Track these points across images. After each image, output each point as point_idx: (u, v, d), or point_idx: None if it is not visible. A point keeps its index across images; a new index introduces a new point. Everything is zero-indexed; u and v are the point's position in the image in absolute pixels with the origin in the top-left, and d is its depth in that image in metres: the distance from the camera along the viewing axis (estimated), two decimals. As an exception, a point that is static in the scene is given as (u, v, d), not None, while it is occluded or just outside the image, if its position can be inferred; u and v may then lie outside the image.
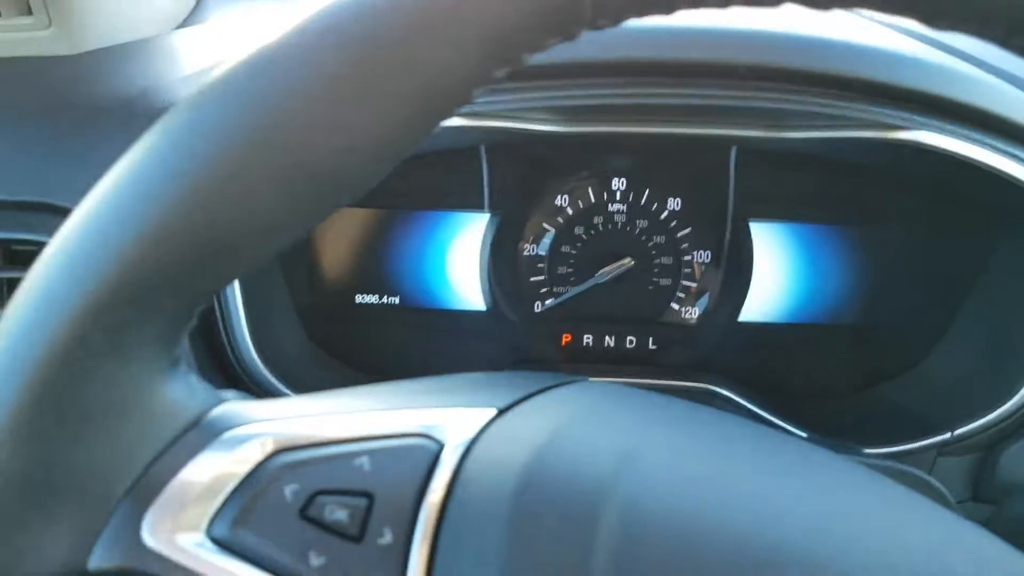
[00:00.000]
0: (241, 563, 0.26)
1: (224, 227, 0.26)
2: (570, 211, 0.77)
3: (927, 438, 0.65)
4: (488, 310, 0.79)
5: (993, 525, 0.57)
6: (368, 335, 0.79)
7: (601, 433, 0.30)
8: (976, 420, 0.64)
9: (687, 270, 0.78)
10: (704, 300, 0.79)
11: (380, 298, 0.79)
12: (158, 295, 0.26)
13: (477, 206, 0.74)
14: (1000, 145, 0.57)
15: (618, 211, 0.77)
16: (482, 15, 0.25)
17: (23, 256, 0.58)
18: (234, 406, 0.30)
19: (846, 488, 0.31)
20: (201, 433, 0.28)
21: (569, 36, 0.27)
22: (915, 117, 0.57)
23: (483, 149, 0.69)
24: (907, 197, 0.73)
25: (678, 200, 0.76)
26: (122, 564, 0.26)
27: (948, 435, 0.64)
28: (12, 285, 0.57)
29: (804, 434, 0.67)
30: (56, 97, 0.65)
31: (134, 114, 0.61)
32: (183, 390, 0.29)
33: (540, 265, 0.78)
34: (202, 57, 0.68)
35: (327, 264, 0.79)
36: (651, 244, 0.78)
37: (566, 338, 0.80)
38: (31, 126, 0.62)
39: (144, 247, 0.25)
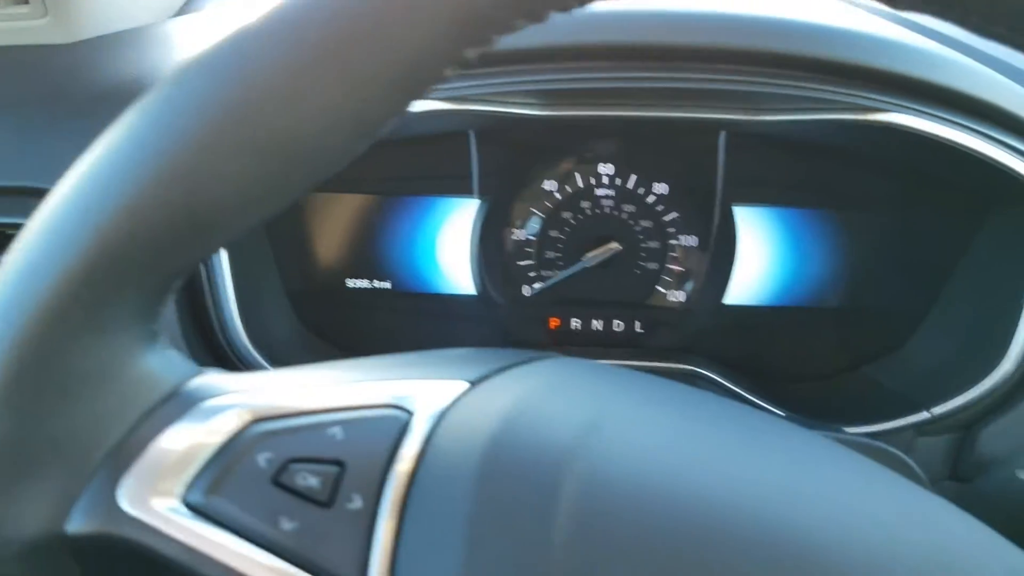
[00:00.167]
0: (214, 528, 0.27)
1: (200, 202, 0.26)
2: (558, 196, 0.78)
3: (906, 417, 0.66)
4: (477, 294, 0.80)
5: (964, 502, 0.57)
6: (359, 319, 0.80)
7: (568, 404, 0.30)
8: (955, 400, 0.65)
9: (673, 254, 0.79)
10: (690, 284, 0.79)
11: (371, 282, 0.80)
12: (136, 269, 0.27)
13: (467, 192, 0.74)
14: (978, 127, 0.58)
15: (605, 196, 0.77)
16: None
17: (18, 241, 0.59)
18: (211, 378, 0.31)
19: (809, 461, 0.31)
20: (178, 403, 0.29)
21: (537, 18, 0.28)
22: (891, 99, 0.57)
23: (472, 135, 0.69)
24: (890, 181, 0.74)
25: (664, 185, 0.77)
26: (99, 528, 0.27)
27: (927, 414, 0.65)
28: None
29: (783, 414, 0.68)
30: (52, 85, 0.66)
31: (130, 102, 0.61)
32: (161, 362, 0.30)
33: (528, 250, 0.79)
34: (197, 45, 0.68)
35: (319, 249, 0.80)
36: (638, 228, 0.78)
37: (554, 322, 0.81)
38: (27, 114, 0.63)
39: (121, 222, 0.26)
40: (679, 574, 0.25)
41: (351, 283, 0.80)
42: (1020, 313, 0.64)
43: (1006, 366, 0.64)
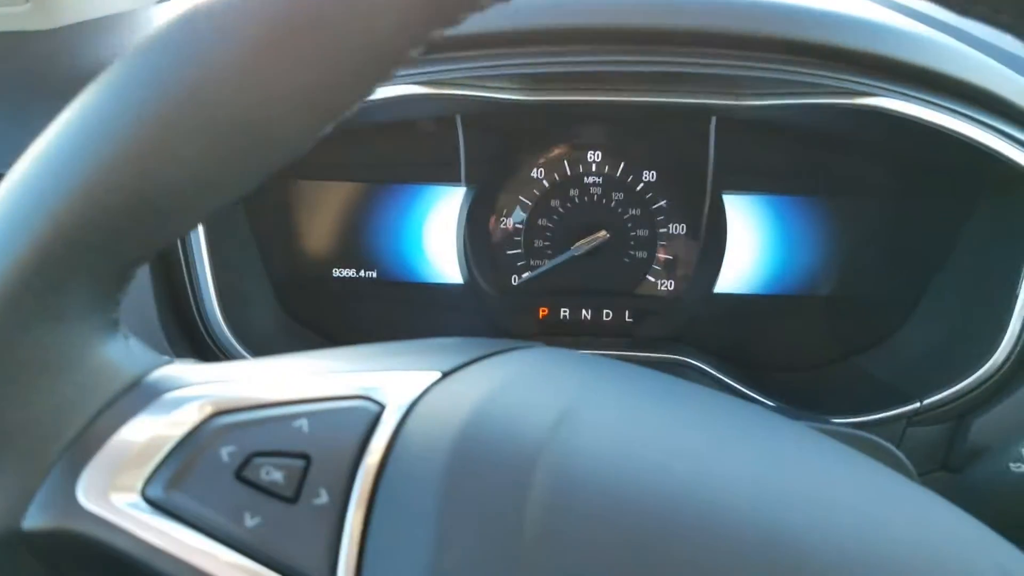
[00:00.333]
0: (175, 524, 0.26)
1: (156, 185, 0.25)
2: (546, 184, 0.77)
3: (896, 408, 0.65)
4: (465, 284, 0.79)
5: (955, 493, 0.57)
6: (345, 309, 0.79)
7: (542, 394, 0.30)
8: (946, 389, 0.64)
9: (662, 243, 0.78)
10: (679, 272, 0.79)
11: (357, 272, 0.79)
12: (91, 256, 0.26)
13: (454, 179, 0.73)
14: (968, 112, 0.57)
15: (594, 184, 0.77)
16: None
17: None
18: (174, 369, 0.30)
19: (791, 452, 0.30)
20: (139, 395, 0.28)
21: None
22: (880, 83, 0.56)
23: (459, 120, 0.68)
24: (880, 168, 0.73)
25: (653, 172, 0.76)
26: (56, 524, 0.26)
27: (917, 404, 0.65)
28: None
29: (771, 404, 0.67)
30: (32, 71, 0.65)
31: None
32: (121, 352, 0.29)
33: (516, 238, 0.78)
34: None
35: (303, 238, 0.79)
36: (627, 217, 0.77)
37: (543, 311, 0.80)
38: (8, 100, 0.62)
39: (74, 206, 0.25)
40: (651, 569, 0.24)
41: (337, 272, 0.79)
42: (1012, 302, 0.63)
43: (998, 355, 0.63)
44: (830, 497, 0.27)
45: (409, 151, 0.76)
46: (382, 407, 0.28)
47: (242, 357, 0.63)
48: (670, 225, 0.77)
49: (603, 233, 0.77)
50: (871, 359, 0.76)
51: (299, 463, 0.27)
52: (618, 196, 0.77)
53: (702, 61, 0.57)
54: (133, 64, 0.25)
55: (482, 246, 0.78)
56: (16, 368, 0.26)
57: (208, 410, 0.28)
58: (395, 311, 0.80)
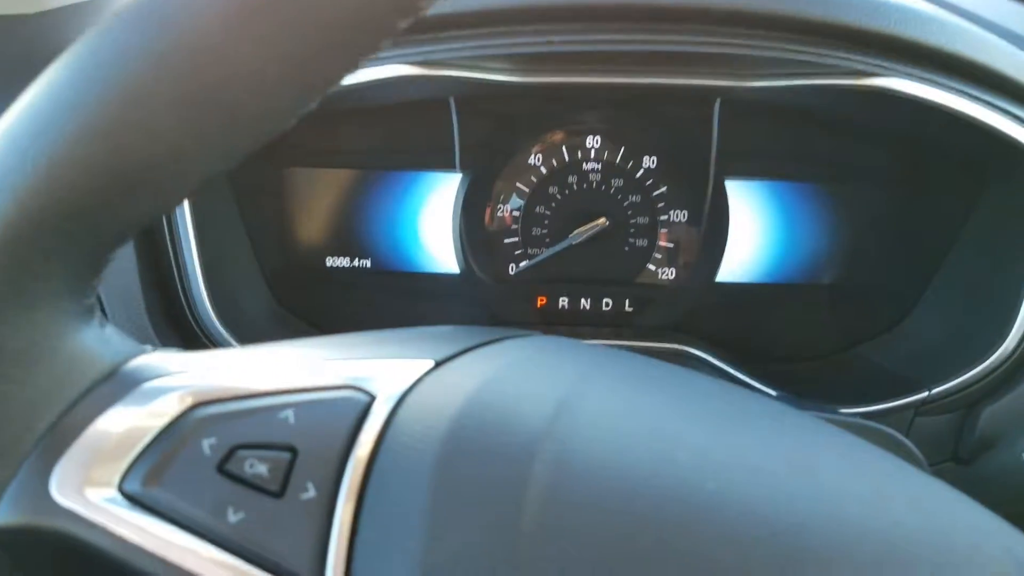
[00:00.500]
0: (155, 519, 0.25)
1: (128, 162, 0.24)
2: (543, 170, 0.75)
3: (904, 397, 0.64)
4: (461, 273, 0.77)
5: (965, 484, 0.56)
6: (339, 299, 0.78)
7: (540, 382, 0.29)
8: (954, 379, 0.63)
9: (663, 230, 0.76)
10: (681, 261, 0.77)
11: (351, 261, 0.78)
12: (62, 239, 0.25)
13: (448, 165, 0.72)
14: (977, 93, 0.56)
15: (593, 170, 0.75)
16: None
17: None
18: (153, 357, 0.29)
19: (796, 441, 0.30)
20: (116, 384, 0.27)
21: None
22: (886, 63, 0.55)
23: (453, 104, 0.66)
24: (886, 153, 0.72)
25: (654, 158, 0.75)
26: (28, 520, 0.25)
27: (925, 394, 0.63)
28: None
29: (774, 393, 0.66)
30: (20, 55, 0.63)
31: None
32: (97, 340, 0.28)
33: (513, 226, 0.77)
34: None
35: (296, 226, 0.77)
36: (627, 204, 0.76)
37: (541, 300, 0.79)
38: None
39: (41, 185, 0.24)
40: (654, 562, 0.23)
41: (330, 262, 0.77)
42: (1021, 289, 0.62)
43: (1008, 343, 0.62)
44: (835, 484, 0.26)
45: (403, 137, 0.74)
46: (372, 397, 0.27)
47: (231, 347, 0.62)
48: (671, 212, 0.76)
49: (602, 220, 0.75)
50: (877, 348, 0.75)
51: (285, 456, 0.26)
52: (618, 182, 0.75)
53: (706, 40, 0.55)
54: (99, 37, 0.24)
55: (478, 234, 0.77)
56: None
57: (189, 400, 0.27)
58: (390, 301, 0.78)
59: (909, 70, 0.56)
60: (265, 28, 0.23)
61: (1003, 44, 0.57)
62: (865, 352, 0.75)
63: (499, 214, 0.77)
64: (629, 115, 0.74)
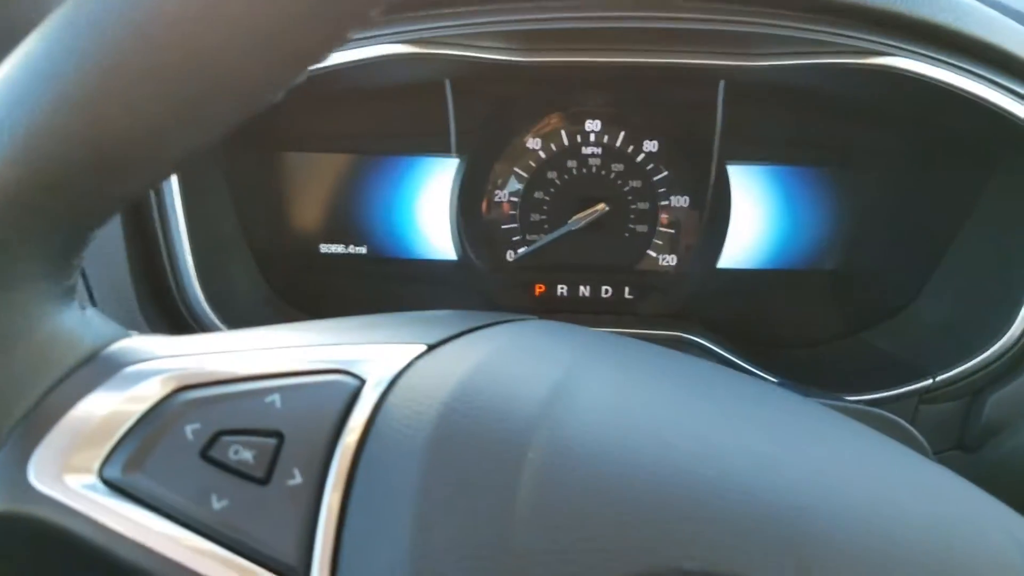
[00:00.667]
0: (136, 507, 0.25)
1: (107, 135, 0.23)
2: (542, 154, 0.74)
3: (909, 384, 0.63)
4: (458, 260, 0.77)
5: (971, 472, 0.55)
6: (333, 286, 0.77)
7: (534, 366, 0.28)
8: (960, 365, 0.63)
9: (664, 216, 0.75)
10: (682, 247, 0.76)
11: (346, 247, 0.77)
12: (39, 217, 0.24)
13: (445, 149, 0.71)
14: (985, 73, 0.55)
15: (592, 154, 0.74)
16: None
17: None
18: (135, 341, 0.28)
19: (797, 425, 0.29)
20: (97, 368, 0.26)
21: None
22: (892, 42, 0.54)
23: (448, 86, 0.65)
24: (891, 135, 0.71)
25: (655, 142, 0.73)
26: (6, 507, 0.25)
27: (930, 381, 0.63)
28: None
29: (775, 380, 0.65)
30: (6, 31, 0.62)
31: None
32: (77, 323, 0.27)
33: (511, 212, 0.76)
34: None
35: (289, 213, 0.76)
36: (627, 189, 0.75)
37: (539, 288, 0.78)
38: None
39: (17, 160, 0.23)
40: (652, 549, 0.22)
41: (325, 248, 0.76)
42: None
43: (1013, 330, 0.61)
44: (837, 471, 0.25)
45: (398, 121, 0.73)
46: (362, 381, 0.27)
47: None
48: (672, 197, 0.75)
49: (602, 206, 0.74)
50: (881, 334, 0.74)
51: (270, 441, 0.25)
52: (618, 167, 0.74)
53: (710, 17, 0.54)
54: (77, 6, 0.23)
55: (475, 220, 0.76)
56: None
57: (172, 385, 0.26)
58: (385, 288, 0.78)
59: (916, 49, 0.55)
60: None
61: (1012, 24, 0.56)
62: (869, 339, 0.75)
63: (496, 200, 0.76)
64: (630, 98, 0.72)
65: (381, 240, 0.77)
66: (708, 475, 0.24)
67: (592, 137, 0.74)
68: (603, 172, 0.74)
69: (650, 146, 0.74)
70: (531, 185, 0.75)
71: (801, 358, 0.75)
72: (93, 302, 0.51)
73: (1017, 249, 0.62)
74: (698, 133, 0.70)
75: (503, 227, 0.76)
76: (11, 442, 0.25)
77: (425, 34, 0.55)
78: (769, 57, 0.58)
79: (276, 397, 0.26)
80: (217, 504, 0.24)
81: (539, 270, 0.77)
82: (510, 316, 0.33)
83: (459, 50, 0.56)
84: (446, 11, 0.55)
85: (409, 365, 0.27)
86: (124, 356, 0.27)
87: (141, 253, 0.58)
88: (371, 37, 0.56)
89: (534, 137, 0.74)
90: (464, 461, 0.24)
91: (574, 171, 0.74)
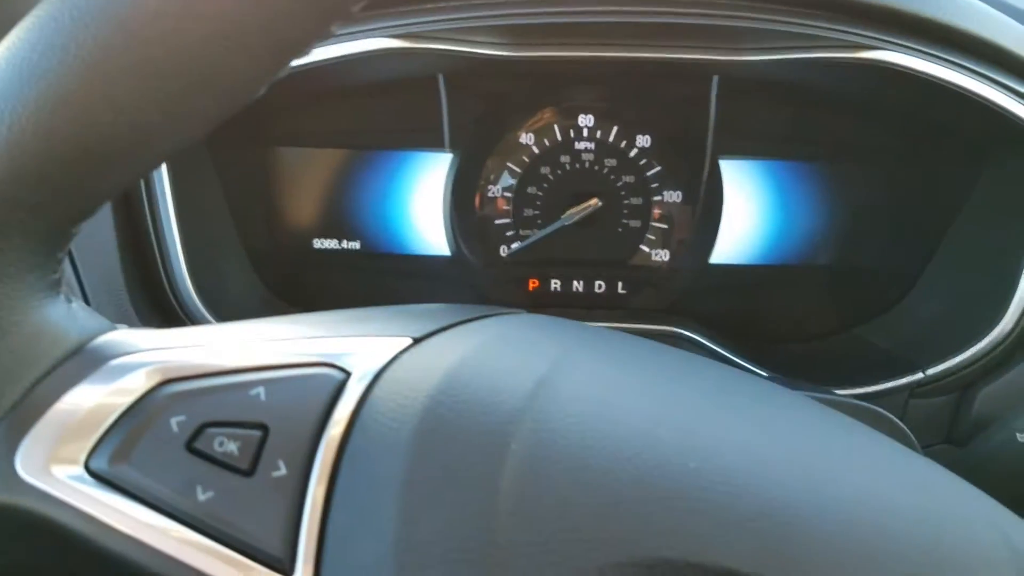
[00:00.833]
0: (122, 498, 0.25)
1: (90, 131, 0.24)
2: (535, 150, 0.74)
3: (899, 379, 0.63)
4: (452, 255, 0.77)
5: (959, 466, 0.55)
6: (326, 281, 0.77)
7: (520, 359, 0.28)
8: (950, 360, 0.63)
9: (657, 211, 0.75)
10: (675, 242, 0.76)
11: (339, 243, 0.77)
12: (22, 211, 0.24)
13: (438, 144, 0.71)
14: (975, 67, 0.55)
15: (585, 149, 0.74)
16: None
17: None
18: (121, 334, 0.28)
19: (784, 418, 0.29)
20: (83, 361, 0.27)
21: None
22: (882, 36, 0.54)
23: (441, 81, 0.65)
24: (883, 133, 0.71)
25: (648, 137, 0.73)
26: None
27: (920, 375, 0.63)
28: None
29: (765, 374, 0.65)
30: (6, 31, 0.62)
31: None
32: (62, 316, 0.27)
33: (505, 207, 0.76)
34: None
35: (282, 208, 0.76)
36: (620, 184, 0.75)
37: (533, 283, 0.78)
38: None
39: (1, 152, 0.23)
40: (635, 542, 0.22)
41: (318, 243, 0.76)
42: (1018, 271, 0.61)
43: (1003, 325, 0.61)
44: (824, 464, 0.26)
45: (392, 116, 0.73)
46: (347, 374, 0.27)
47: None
48: (665, 193, 0.75)
49: (595, 201, 0.74)
50: (873, 330, 0.74)
51: (255, 434, 0.25)
52: (611, 162, 0.74)
53: (703, 12, 0.54)
54: (58, 4, 0.23)
55: (469, 215, 0.76)
56: None
57: (157, 377, 0.27)
58: (378, 284, 0.78)
59: (907, 43, 0.55)
60: None
61: (1003, 17, 0.56)
62: (861, 334, 0.75)
63: (490, 195, 0.76)
64: (623, 93, 0.72)
65: (374, 235, 0.77)
66: (690, 466, 0.24)
67: (585, 132, 0.74)
68: (596, 167, 0.74)
69: (643, 141, 0.74)
70: (524, 180, 0.75)
71: (793, 353, 0.75)
72: (84, 297, 0.51)
73: (1007, 244, 0.63)
74: (691, 128, 0.70)
75: (496, 222, 0.76)
76: None
77: (416, 28, 0.55)
78: (761, 52, 0.58)
79: (261, 390, 0.26)
80: (202, 495, 0.25)
81: (533, 265, 0.77)
82: (496, 310, 0.33)
83: (451, 45, 0.57)
84: (438, 5, 0.55)
85: (394, 358, 0.27)
86: (110, 349, 0.27)
87: (132, 248, 0.58)
88: (363, 31, 0.56)
89: (527, 132, 0.74)
90: (448, 453, 0.24)
91: (567, 166, 0.74)
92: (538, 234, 0.75)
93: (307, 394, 0.26)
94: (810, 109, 0.71)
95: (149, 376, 0.26)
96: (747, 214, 0.75)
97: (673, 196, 0.75)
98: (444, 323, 0.30)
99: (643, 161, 0.74)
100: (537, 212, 0.75)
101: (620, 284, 0.78)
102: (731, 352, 0.70)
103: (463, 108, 0.70)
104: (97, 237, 0.55)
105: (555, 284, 0.78)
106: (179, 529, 0.24)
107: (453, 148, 0.72)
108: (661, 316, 0.75)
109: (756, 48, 0.58)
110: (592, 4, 0.55)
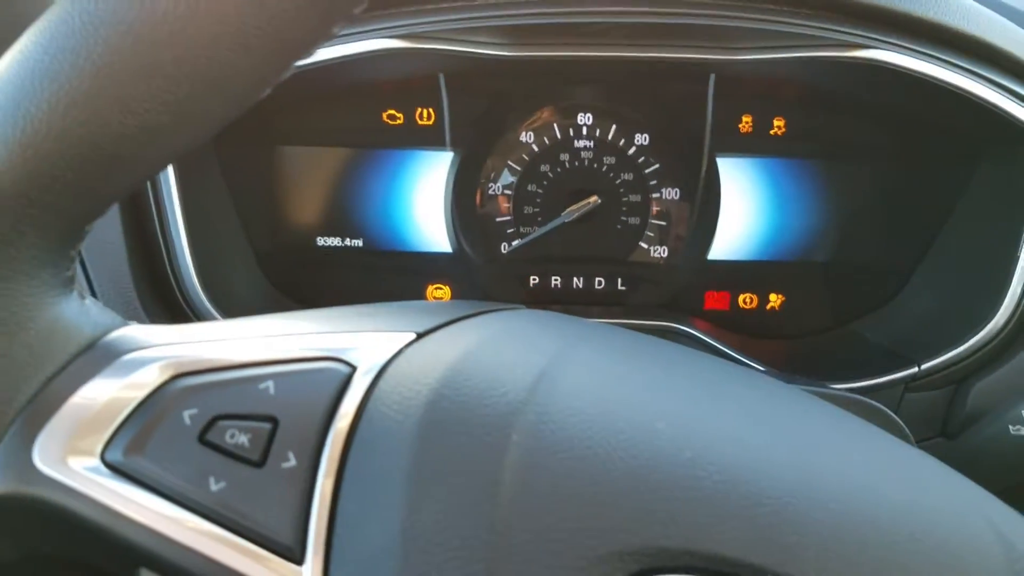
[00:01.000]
0: (137, 488, 0.25)
1: (102, 133, 0.24)
2: (535, 148, 0.75)
3: (894, 373, 0.64)
4: (453, 252, 0.77)
5: (953, 459, 0.56)
6: (330, 278, 0.78)
7: (521, 353, 0.29)
8: (944, 354, 0.63)
9: (656, 208, 0.76)
10: (673, 239, 0.77)
11: (342, 240, 0.77)
12: (37, 210, 0.25)
13: (439, 143, 0.71)
14: (968, 66, 0.55)
15: (584, 147, 0.75)
16: None
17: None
18: (134, 330, 0.29)
19: (779, 412, 0.30)
20: (96, 356, 0.27)
21: None
22: (876, 35, 0.55)
23: (442, 80, 0.66)
24: (878, 131, 0.71)
25: (646, 135, 0.74)
26: (13, 489, 0.26)
27: (915, 369, 0.64)
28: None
29: (762, 368, 0.66)
30: (13, 29, 0.62)
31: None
32: (76, 312, 0.28)
33: (505, 205, 0.76)
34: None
35: (286, 206, 0.77)
36: (619, 182, 0.76)
37: (533, 279, 0.79)
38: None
39: (14, 157, 0.24)
40: (632, 530, 0.23)
41: (321, 241, 0.77)
42: (1012, 266, 0.62)
43: (997, 319, 0.62)
44: (818, 456, 0.26)
45: (393, 115, 0.73)
46: (353, 368, 0.27)
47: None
48: (663, 190, 0.76)
49: (594, 199, 0.75)
50: (869, 324, 0.75)
51: (265, 426, 0.26)
52: (610, 160, 0.75)
53: (699, 12, 0.55)
54: (71, 5, 0.24)
55: (470, 213, 0.76)
56: None
57: (169, 372, 0.27)
58: (381, 280, 0.78)
59: (900, 42, 0.55)
60: None
61: (995, 16, 0.57)
62: (857, 329, 0.75)
63: (491, 192, 0.76)
64: (621, 92, 0.73)
65: (377, 233, 0.77)
66: (686, 457, 0.25)
67: (584, 130, 0.74)
68: (595, 165, 0.75)
69: (641, 139, 0.74)
70: (524, 178, 0.76)
71: (789, 348, 0.76)
72: (93, 294, 0.52)
73: (1001, 241, 0.63)
74: (688, 126, 0.71)
75: (497, 220, 0.77)
76: (16, 427, 0.26)
77: (418, 29, 0.56)
78: (756, 51, 0.58)
79: (270, 384, 0.27)
80: (215, 486, 0.25)
81: (533, 262, 0.78)
82: (498, 306, 0.33)
83: (452, 45, 0.57)
84: (439, 6, 0.55)
85: (399, 353, 0.28)
86: (123, 344, 0.28)
87: (140, 246, 0.59)
88: (365, 32, 0.57)
89: (527, 131, 0.74)
90: (452, 445, 0.25)
91: (566, 164, 0.75)
92: (538, 231, 0.76)
93: (315, 388, 0.27)
94: (806, 108, 0.71)
95: (162, 370, 0.27)
96: (744, 211, 0.76)
97: (671, 193, 0.76)
98: (446, 318, 0.31)
99: (641, 159, 0.75)
100: (537, 209, 0.76)
101: (619, 280, 0.78)
102: (728, 347, 0.70)
103: (464, 107, 0.70)
104: (105, 236, 0.55)
105: (555, 280, 0.78)
106: (192, 519, 0.25)
107: (454, 147, 0.73)
108: (659, 312, 0.76)
109: (752, 48, 0.59)
110: (590, 5, 0.56)
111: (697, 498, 0.24)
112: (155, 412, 0.26)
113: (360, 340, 0.28)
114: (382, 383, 0.27)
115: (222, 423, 0.26)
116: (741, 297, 0.78)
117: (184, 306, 0.61)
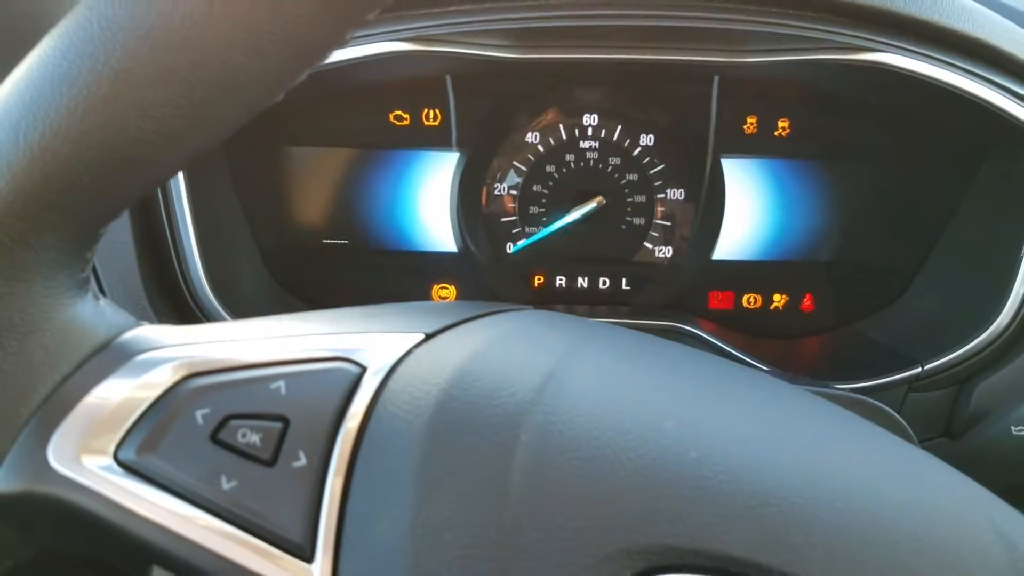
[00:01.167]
0: (149, 487, 0.26)
1: (119, 136, 0.24)
2: (540, 148, 0.75)
3: (898, 373, 0.64)
4: (459, 252, 0.78)
5: (957, 459, 0.56)
6: (336, 278, 0.78)
7: (529, 354, 0.29)
8: (948, 354, 0.64)
9: (660, 208, 0.76)
10: (677, 239, 0.77)
11: (349, 240, 0.78)
12: (54, 212, 0.25)
13: (446, 143, 0.72)
14: (973, 68, 0.56)
15: (590, 148, 0.75)
16: None
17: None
18: (147, 330, 0.29)
19: (783, 411, 0.30)
20: (110, 356, 0.28)
21: None
22: (881, 38, 0.55)
23: (449, 82, 0.66)
24: (882, 132, 0.72)
25: (651, 136, 0.74)
26: (27, 487, 0.26)
27: (919, 369, 0.64)
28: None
29: (767, 368, 0.66)
30: (10, 28, 0.63)
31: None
32: (91, 313, 0.28)
33: (511, 205, 0.77)
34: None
35: (293, 206, 0.77)
36: (624, 182, 0.76)
37: (538, 279, 0.79)
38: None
39: (34, 159, 0.24)
40: (640, 530, 0.23)
41: (328, 241, 0.77)
42: (1015, 266, 0.62)
43: (1000, 320, 0.62)
44: (822, 456, 0.26)
45: (400, 116, 0.74)
46: (363, 369, 0.28)
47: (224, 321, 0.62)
48: (668, 190, 0.76)
49: (599, 199, 0.75)
50: (872, 325, 0.75)
51: (276, 425, 0.26)
52: (615, 161, 0.75)
53: (704, 15, 0.55)
54: (89, 11, 0.24)
55: (475, 213, 0.77)
56: None
57: (182, 372, 0.27)
58: (387, 280, 0.79)
59: (904, 45, 0.55)
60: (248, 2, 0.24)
61: (997, 18, 0.57)
62: (861, 329, 0.76)
63: (496, 193, 0.77)
64: (627, 93, 0.73)
65: (383, 233, 0.78)
66: (692, 456, 0.25)
67: (589, 131, 0.75)
68: (600, 166, 0.75)
69: (646, 140, 0.75)
70: (530, 178, 0.76)
71: (793, 348, 0.76)
72: (103, 293, 0.52)
73: (1004, 241, 0.63)
74: (693, 127, 0.71)
75: (503, 220, 0.77)
76: (31, 426, 0.26)
77: (425, 32, 0.56)
78: (761, 53, 0.59)
79: (281, 384, 0.27)
80: (226, 484, 0.25)
81: (538, 262, 0.78)
82: (506, 306, 0.34)
83: (459, 47, 0.58)
84: (446, 9, 0.56)
85: (408, 353, 0.28)
86: (136, 345, 0.28)
87: (149, 247, 0.60)
88: (373, 35, 0.57)
89: (533, 131, 0.75)
90: (461, 444, 0.25)
91: (572, 165, 0.76)
92: (543, 231, 0.76)
93: (325, 388, 0.27)
94: (809, 109, 0.71)
95: (175, 371, 0.27)
96: (748, 212, 0.76)
97: (676, 194, 0.76)
98: (455, 319, 0.31)
99: (646, 160, 0.75)
100: (542, 210, 0.76)
101: (624, 280, 0.79)
102: (732, 347, 0.71)
103: (470, 108, 0.71)
104: (115, 236, 0.56)
105: (560, 280, 0.79)
106: (204, 517, 0.25)
107: (460, 147, 0.73)
108: (664, 312, 0.76)
109: (756, 50, 0.59)
110: (596, 8, 0.56)
111: (704, 497, 0.24)
112: (168, 411, 0.27)
113: (370, 341, 0.29)
114: (391, 383, 0.27)
115: (234, 422, 0.26)
116: (745, 297, 0.78)
117: (192, 305, 0.61)
